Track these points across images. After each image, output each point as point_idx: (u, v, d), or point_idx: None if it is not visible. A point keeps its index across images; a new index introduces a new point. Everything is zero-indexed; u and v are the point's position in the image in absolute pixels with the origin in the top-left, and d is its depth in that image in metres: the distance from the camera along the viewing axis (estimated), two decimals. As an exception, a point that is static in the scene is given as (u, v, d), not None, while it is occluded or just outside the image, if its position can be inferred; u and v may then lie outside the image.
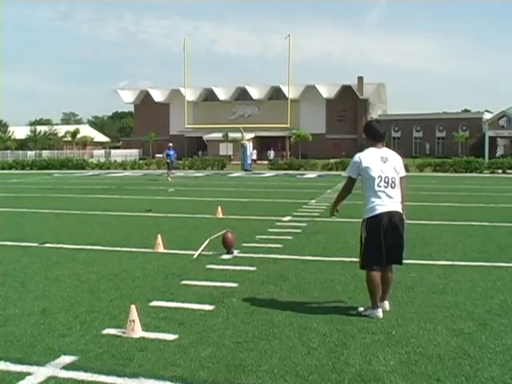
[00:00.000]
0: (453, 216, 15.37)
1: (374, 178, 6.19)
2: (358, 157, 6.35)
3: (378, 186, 6.20)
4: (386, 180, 6.21)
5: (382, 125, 6.68)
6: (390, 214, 6.19)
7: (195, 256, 9.55)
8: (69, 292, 7.47)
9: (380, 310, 6.32)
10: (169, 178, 32.88)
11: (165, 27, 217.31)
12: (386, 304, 6.50)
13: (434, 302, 6.92)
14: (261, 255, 9.76)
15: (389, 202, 6.20)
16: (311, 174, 41.74)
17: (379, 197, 6.20)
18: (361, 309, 6.49)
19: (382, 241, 6.19)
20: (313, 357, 5.12)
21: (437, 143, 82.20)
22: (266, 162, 59.58)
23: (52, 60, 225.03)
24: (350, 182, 6.50)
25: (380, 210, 6.17)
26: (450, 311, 6.54)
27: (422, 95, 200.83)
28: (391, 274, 6.49)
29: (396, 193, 6.28)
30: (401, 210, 6.32)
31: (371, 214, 6.21)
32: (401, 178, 6.43)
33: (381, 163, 6.23)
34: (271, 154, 64.53)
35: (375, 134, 6.45)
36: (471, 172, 43.45)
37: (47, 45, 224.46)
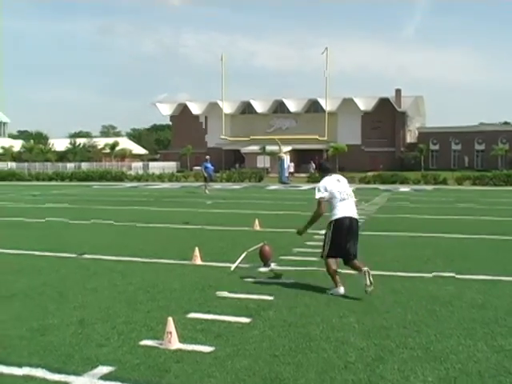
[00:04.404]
0: (491, 230, 15.13)
1: (337, 194, 8.16)
2: (323, 183, 8.33)
3: (340, 199, 8.16)
4: (344, 194, 8.22)
5: (330, 162, 9.78)
6: (349, 218, 8.09)
7: (232, 268, 9.56)
8: (106, 303, 7.53)
9: (342, 288, 7.98)
10: (206, 191, 33.00)
11: (203, 41, 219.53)
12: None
13: (474, 317, 6.81)
14: (298, 268, 9.75)
15: (348, 209, 8.13)
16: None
17: (341, 206, 8.12)
18: (329, 291, 8.04)
19: (344, 238, 8.05)
20: (350, 371, 5.08)
21: (476, 156, 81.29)
22: (303, 175, 59.48)
23: (91, 73, 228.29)
24: (321, 205, 8.28)
25: (342, 214, 8.07)
26: (490, 327, 6.44)
27: (460, 107, 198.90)
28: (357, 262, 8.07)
29: (352, 203, 8.28)
30: (357, 216, 8.28)
31: (336, 217, 8.09)
32: None
33: (338, 183, 8.32)
34: (312, 166, 64.36)
35: (327, 170, 8.65)
36: (511, 185, 42.79)
37: (87, 58, 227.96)
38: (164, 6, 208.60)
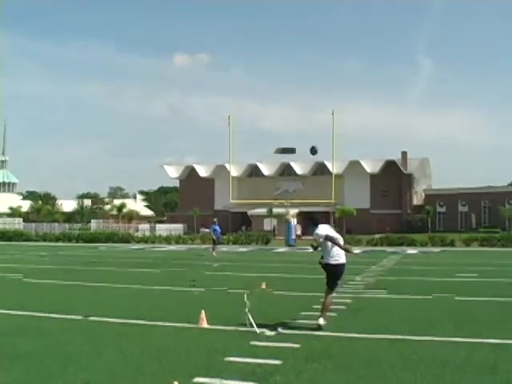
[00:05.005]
0: (500, 292, 14.98)
1: (337, 239, 10.24)
2: (320, 230, 10.45)
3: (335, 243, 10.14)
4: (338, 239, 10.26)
5: (318, 221, 12.18)
6: (341, 265, 10.20)
7: (257, 331, 9.42)
8: (112, 366, 7.45)
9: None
10: (214, 253, 32.98)
11: (210, 105, 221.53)
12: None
13: (485, 382, 6.70)
14: (305, 332, 9.64)
15: (340, 256, 10.20)
16: (356, 250, 41.31)
17: (338, 252, 10.16)
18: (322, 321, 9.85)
19: (337, 278, 10.35)
20: None
21: (483, 217, 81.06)
22: (311, 238, 59.24)
23: (100, 135, 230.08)
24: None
25: (337, 262, 10.15)
26: (502, 392, 6.32)
27: (467, 169, 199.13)
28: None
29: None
30: (345, 261, 10.28)
31: (332, 262, 10.14)
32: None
33: (333, 231, 10.43)
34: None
35: (317, 225, 11.05)
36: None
37: (96, 120, 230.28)
38: (172, 69, 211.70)
